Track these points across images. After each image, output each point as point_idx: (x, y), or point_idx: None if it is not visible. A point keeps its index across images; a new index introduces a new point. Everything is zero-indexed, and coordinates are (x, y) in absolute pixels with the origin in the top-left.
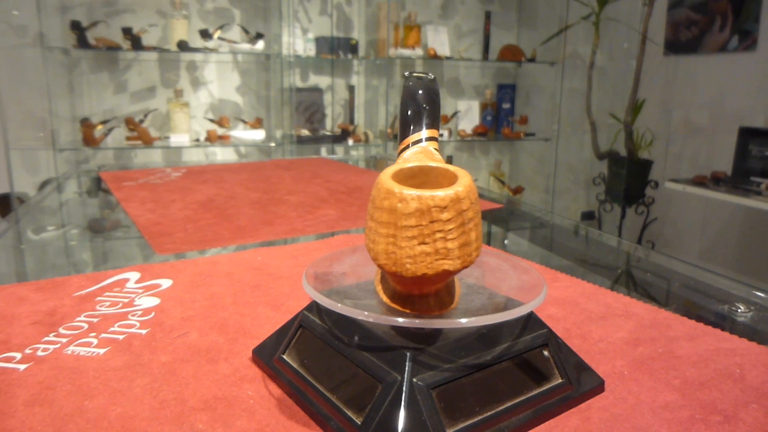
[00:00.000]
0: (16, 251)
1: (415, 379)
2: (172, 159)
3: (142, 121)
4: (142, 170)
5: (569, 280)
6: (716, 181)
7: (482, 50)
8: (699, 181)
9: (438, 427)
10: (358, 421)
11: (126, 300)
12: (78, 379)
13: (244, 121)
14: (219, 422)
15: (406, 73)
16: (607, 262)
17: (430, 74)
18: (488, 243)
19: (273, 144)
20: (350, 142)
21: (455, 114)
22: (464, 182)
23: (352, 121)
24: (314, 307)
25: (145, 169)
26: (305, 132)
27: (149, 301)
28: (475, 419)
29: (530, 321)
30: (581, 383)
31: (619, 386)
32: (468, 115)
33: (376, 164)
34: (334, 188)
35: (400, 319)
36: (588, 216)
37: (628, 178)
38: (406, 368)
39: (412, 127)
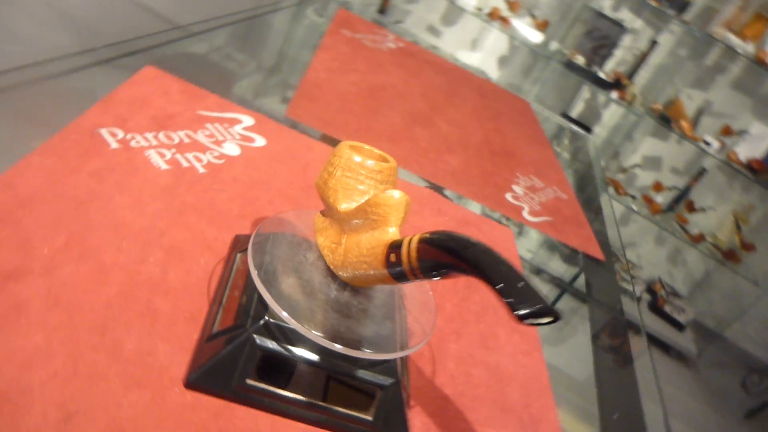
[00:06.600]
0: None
1: (256, 334)
2: (449, 15)
3: None
4: (370, 24)
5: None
6: None
7: None
8: None
9: (240, 377)
10: None
11: (221, 138)
12: (125, 180)
13: (533, 16)
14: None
15: None
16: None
17: None
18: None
19: (542, 54)
20: (614, 94)
21: (743, 133)
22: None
23: (631, 76)
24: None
25: (375, 24)
26: (580, 59)
27: (233, 149)
28: (275, 389)
29: (389, 364)
30: None
31: None
32: (756, 141)
33: (593, 154)
34: (494, 142)
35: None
36: None
37: None
38: (249, 324)
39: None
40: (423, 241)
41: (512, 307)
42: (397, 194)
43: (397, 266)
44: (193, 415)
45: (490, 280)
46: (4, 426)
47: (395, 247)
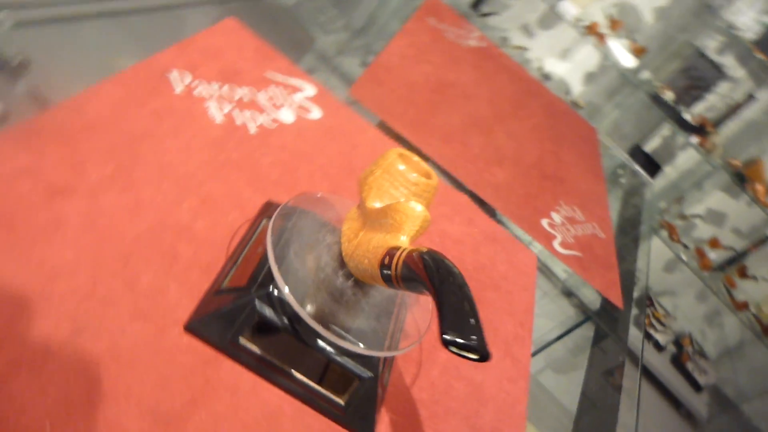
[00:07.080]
0: None
1: (258, 300)
2: (546, 19)
3: None
4: (458, 17)
5: None
6: None
7: None
8: None
9: (235, 334)
10: None
11: (279, 103)
12: (181, 125)
13: (633, 39)
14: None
15: None
16: None
17: None
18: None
19: (631, 80)
20: (694, 139)
21: None
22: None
23: (717, 125)
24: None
25: (463, 18)
26: (669, 94)
27: (288, 116)
28: (263, 353)
29: (371, 360)
30: (354, 422)
31: None
32: None
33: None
34: (547, 164)
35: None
36: None
37: None
38: (255, 289)
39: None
40: (412, 254)
41: (442, 330)
42: (419, 208)
43: (387, 269)
44: (184, 357)
45: (440, 308)
46: (21, 326)
47: (392, 251)
